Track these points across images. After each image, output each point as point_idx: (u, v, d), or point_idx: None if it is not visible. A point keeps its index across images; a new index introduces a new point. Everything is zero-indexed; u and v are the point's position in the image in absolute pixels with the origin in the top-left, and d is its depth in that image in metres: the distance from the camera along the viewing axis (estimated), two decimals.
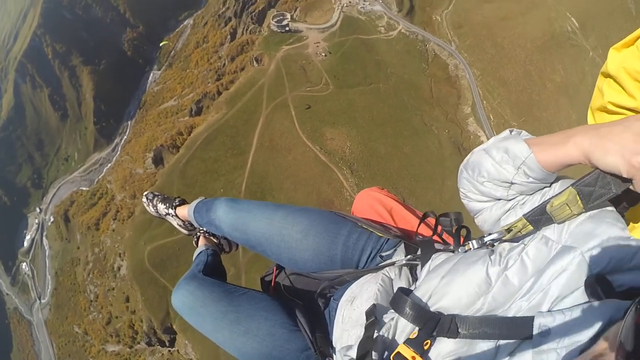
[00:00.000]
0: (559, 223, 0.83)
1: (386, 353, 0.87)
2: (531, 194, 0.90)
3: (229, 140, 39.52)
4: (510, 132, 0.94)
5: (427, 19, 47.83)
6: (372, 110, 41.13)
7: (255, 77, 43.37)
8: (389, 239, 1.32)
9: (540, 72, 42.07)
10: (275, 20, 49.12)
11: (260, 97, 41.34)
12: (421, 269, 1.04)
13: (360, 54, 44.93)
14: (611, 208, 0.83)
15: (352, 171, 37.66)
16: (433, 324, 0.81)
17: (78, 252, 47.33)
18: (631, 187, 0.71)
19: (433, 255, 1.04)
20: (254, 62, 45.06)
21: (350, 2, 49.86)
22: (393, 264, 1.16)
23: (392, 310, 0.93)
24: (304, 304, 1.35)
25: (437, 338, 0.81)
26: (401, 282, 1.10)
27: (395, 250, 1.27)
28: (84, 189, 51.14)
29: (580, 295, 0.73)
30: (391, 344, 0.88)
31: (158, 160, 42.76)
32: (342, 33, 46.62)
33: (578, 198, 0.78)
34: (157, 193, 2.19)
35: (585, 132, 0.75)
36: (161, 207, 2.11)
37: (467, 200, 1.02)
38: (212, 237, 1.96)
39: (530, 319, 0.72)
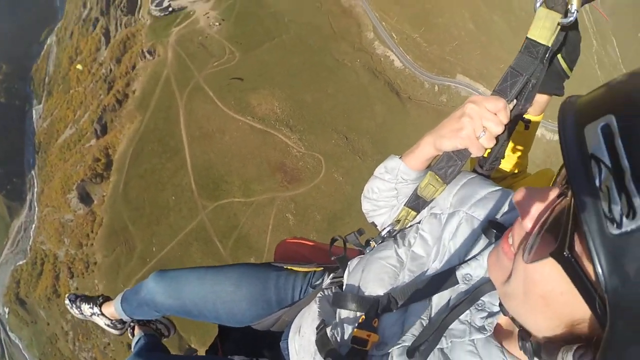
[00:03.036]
0: (430, 200, 1.02)
1: (344, 342, 0.96)
2: None
3: (157, 145, 36.71)
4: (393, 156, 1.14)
5: None
6: (284, 64, 40.33)
7: (157, 70, 39.69)
8: (315, 271, 1.39)
9: None
10: (155, 4, 44.43)
11: (170, 90, 38.26)
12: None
13: (253, 11, 42.83)
14: (474, 175, 1.06)
15: (291, 128, 37.54)
16: (375, 306, 0.93)
17: (50, 328, 42.82)
18: (472, 155, 0.93)
19: (348, 263, 1.14)
20: (146, 56, 40.94)
21: None
22: (321, 287, 1.22)
23: (337, 313, 1.01)
24: (257, 358, 1.38)
25: (382, 314, 0.93)
26: None
27: (322, 278, 1.34)
28: (21, 262, 45.10)
29: (482, 242, 0.89)
30: (344, 335, 0.97)
31: (85, 198, 38.50)
32: None
33: (437, 177, 0.99)
34: (79, 294, 2.08)
35: (430, 132, 0.98)
36: (86, 308, 2.00)
37: (372, 218, 1.19)
38: (147, 325, 1.93)
39: (452, 271, 0.87)
